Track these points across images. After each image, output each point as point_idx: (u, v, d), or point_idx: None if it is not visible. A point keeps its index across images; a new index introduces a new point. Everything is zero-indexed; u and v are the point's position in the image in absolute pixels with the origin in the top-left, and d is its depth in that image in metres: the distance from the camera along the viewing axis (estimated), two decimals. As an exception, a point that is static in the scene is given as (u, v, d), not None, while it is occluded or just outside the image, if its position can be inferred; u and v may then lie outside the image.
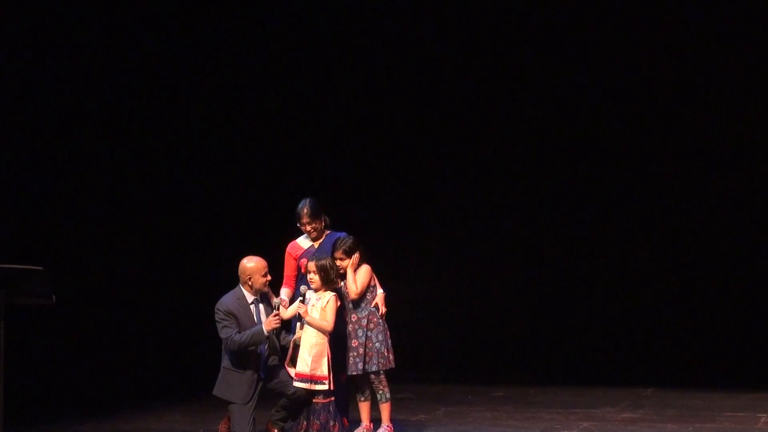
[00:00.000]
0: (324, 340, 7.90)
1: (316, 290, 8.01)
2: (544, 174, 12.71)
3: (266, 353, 8.03)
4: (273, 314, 7.94)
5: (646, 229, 12.48)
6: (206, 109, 12.68)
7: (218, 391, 8.04)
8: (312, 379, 7.86)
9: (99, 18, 11.76)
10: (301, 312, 7.91)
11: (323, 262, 8.03)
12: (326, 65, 12.90)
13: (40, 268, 7.43)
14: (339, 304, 8.03)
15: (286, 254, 8.48)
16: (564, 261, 12.65)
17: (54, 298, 7.54)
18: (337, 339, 8.10)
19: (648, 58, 12.30)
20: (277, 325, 7.94)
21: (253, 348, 7.93)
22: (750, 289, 12.10)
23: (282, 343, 8.14)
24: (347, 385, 8.31)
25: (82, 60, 11.64)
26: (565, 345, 12.39)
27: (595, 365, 12.05)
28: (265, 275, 8.04)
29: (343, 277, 8.19)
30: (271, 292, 8.23)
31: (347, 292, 8.19)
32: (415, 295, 12.14)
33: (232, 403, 7.98)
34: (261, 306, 8.09)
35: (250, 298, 8.06)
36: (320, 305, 7.94)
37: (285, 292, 8.39)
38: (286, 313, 8.05)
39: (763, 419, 9.07)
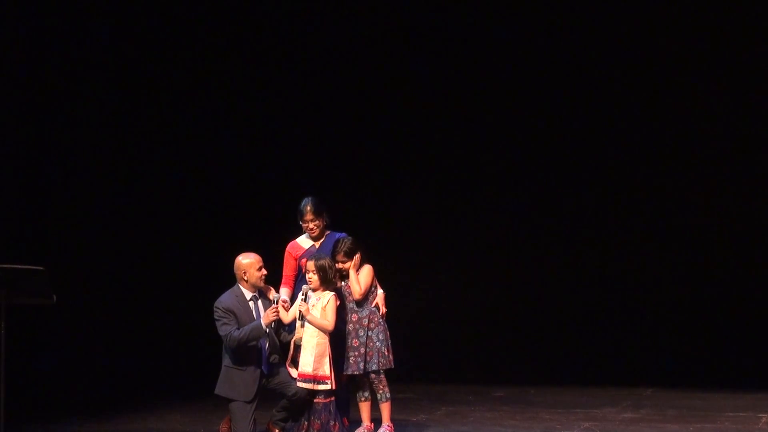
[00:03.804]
0: (325, 340, 7.90)
1: (314, 290, 8.00)
2: (542, 176, 12.71)
3: (267, 349, 8.01)
4: (271, 308, 7.91)
5: (646, 229, 12.48)
6: (207, 109, 12.67)
7: (221, 389, 8.00)
8: (315, 379, 7.85)
9: (102, 14, 11.76)
10: (302, 310, 7.91)
11: (322, 261, 8.02)
12: (328, 65, 12.88)
13: (40, 268, 7.42)
14: (339, 303, 8.03)
15: (286, 254, 8.41)
16: (564, 261, 12.64)
17: (54, 298, 7.54)
18: (338, 338, 8.10)
19: (650, 59, 12.31)
20: (275, 317, 7.90)
21: (253, 344, 7.91)
22: (750, 288, 12.10)
23: (282, 341, 8.12)
24: (347, 384, 8.30)
25: (83, 58, 11.64)
26: (565, 345, 12.37)
27: (595, 365, 12.04)
28: (260, 269, 8.01)
29: (346, 278, 8.18)
30: (270, 288, 8.19)
31: (350, 293, 8.19)
32: (415, 295, 12.13)
33: (233, 402, 7.96)
34: (260, 302, 8.06)
35: (248, 294, 8.04)
36: (320, 305, 7.94)
37: (285, 292, 8.32)
38: (287, 316, 8.02)
39: (764, 419, 9.06)
